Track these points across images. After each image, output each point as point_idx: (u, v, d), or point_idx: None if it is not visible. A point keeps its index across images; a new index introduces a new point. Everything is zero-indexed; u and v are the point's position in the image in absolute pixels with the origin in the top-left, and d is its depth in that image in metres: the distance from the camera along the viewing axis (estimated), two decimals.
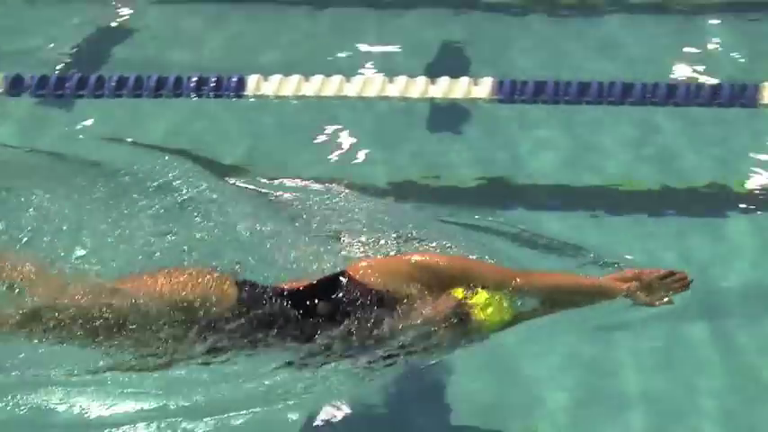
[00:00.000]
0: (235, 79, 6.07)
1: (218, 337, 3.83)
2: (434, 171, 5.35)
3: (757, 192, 5.17)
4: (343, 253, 4.38)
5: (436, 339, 3.88)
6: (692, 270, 4.18)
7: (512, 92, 5.98)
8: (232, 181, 5.10)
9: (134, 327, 3.80)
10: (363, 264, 4.06)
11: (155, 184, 4.87)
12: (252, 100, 6.04)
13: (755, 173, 5.28)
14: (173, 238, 4.44)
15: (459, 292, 3.92)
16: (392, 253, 4.40)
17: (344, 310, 3.87)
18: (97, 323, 3.79)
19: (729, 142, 5.60)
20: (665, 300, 4.07)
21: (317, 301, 3.89)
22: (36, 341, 3.77)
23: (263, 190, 5.02)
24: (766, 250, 4.65)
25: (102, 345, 3.80)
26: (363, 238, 4.52)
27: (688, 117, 5.83)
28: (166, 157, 5.17)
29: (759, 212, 4.97)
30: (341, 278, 3.95)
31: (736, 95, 5.96)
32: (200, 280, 3.91)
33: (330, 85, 6.04)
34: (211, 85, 6.04)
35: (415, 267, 3.97)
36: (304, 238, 4.50)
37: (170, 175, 4.93)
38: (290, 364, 3.82)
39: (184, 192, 4.81)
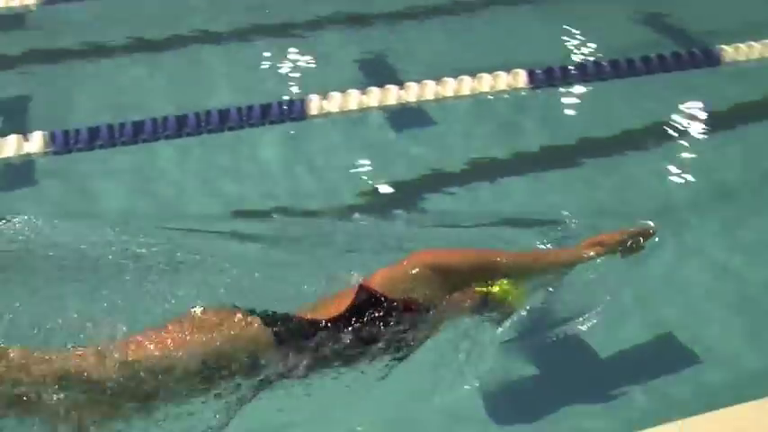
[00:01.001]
0: None
1: (261, 380, 3.70)
2: None
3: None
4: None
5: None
6: None
7: (65, 142, 5.92)
8: None
9: (169, 384, 3.55)
10: (378, 277, 3.96)
11: None
12: None
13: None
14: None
15: (480, 285, 4.05)
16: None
17: (376, 327, 3.84)
18: (129, 389, 3.50)
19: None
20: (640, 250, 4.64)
21: (350, 325, 3.83)
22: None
23: None
24: None
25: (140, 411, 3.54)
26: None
27: None
28: None
29: None
30: (362, 295, 3.89)
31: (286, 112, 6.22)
32: (228, 324, 3.68)
33: None
34: None
35: (429, 269, 3.96)
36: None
37: None
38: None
39: None
